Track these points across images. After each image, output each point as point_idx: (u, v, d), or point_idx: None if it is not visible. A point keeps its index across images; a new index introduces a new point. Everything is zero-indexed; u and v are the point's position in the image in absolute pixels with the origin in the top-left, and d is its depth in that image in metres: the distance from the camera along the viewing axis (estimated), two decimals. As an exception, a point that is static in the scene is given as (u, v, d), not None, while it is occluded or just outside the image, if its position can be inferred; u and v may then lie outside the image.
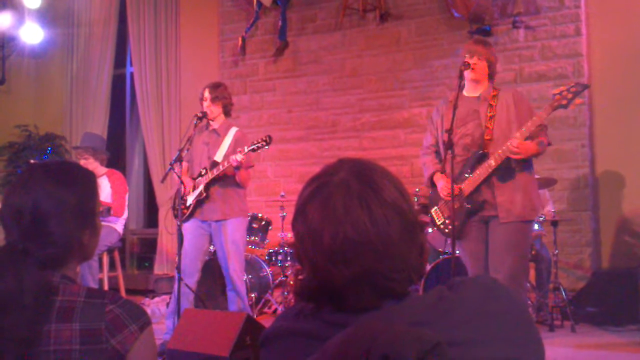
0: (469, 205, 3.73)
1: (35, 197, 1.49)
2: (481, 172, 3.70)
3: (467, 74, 3.83)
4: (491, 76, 3.91)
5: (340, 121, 7.04)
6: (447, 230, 3.91)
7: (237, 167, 4.56)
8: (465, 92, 3.90)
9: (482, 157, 3.71)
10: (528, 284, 3.79)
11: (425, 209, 5.73)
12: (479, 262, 3.77)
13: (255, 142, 4.57)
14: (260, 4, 7.31)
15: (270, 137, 4.58)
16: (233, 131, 4.85)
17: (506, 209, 3.65)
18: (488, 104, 3.77)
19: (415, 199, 5.75)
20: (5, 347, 1.36)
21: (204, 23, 7.78)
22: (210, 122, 4.86)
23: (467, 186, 3.74)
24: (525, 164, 3.72)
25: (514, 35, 6.34)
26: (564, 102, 3.53)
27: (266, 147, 4.57)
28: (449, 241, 5.21)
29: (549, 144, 3.75)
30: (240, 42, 7.41)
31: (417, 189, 5.99)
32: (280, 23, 7.22)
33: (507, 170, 3.68)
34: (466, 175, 3.76)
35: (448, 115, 3.81)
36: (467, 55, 3.84)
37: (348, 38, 7.06)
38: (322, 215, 1.09)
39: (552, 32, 6.19)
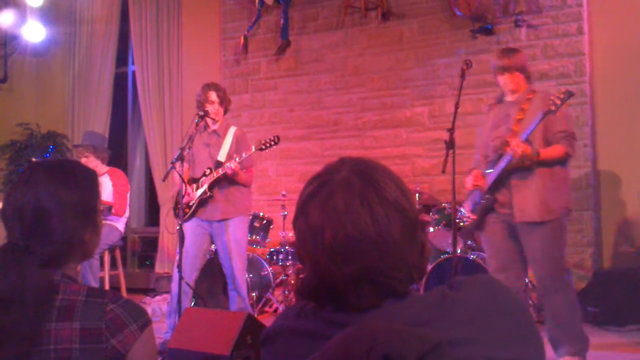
0: (482, 201, 3.91)
1: (37, 195, 1.49)
2: (495, 172, 3.85)
3: (503, 85, 3.93)
4: (528, 79, 3.94)
5: (342, 120, 7.04)
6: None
7: (234, 174, 4.57)
8: (506, 97, 3.98)
9: (500, 159, 3.83)
10: (570, 279, 3.86)
11: (427, 208, 5.77)
12: (498, 254, 3.90)
13: (264, 141, 4.59)
14: (262, 3, 7.31)
15: (278, 138, 4.62)
16: (232, 130, 4.85)
17: (520, 209, 3.76)
18: (519, 108, 3.82)
19: (417, 198, 5.76)
20: (7, 344, 1.36)
21: (206, 21, 7.78)
22: (209, 123, 4.84)
23: (484, 184, 3.91)
24: (548, 165, 3.74)
25: (516, 34, 6.33)
26: (553, 108, 3.60)
27: (274, 146, 4.61)
28: (449, 240, 5.22)
29: (567, 154, 3.73)
30: (242, 40, 7.41)
31: (419, 188, 5.99)
32: (282, 21, 7.22)
33: (525, 171, 3.75)
34: (488, 174, 3.92)
35: (489, 118, 4.01)
36: (498, 75, 3.92)
37: (350, 37, 7.05)
38: (323, 213, 1.09)
39: (554, 31, 6.18)
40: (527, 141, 3.67)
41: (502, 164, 3.79)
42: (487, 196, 3.90)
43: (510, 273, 3.84)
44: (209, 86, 4.82)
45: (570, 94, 3.59)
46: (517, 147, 3.62)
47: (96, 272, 5.51)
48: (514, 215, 3.78)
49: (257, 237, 5.97)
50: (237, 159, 4.55)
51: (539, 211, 3.71)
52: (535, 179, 3.74)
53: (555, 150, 3.73)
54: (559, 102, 3.56)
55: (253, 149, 4.56)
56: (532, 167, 3.73)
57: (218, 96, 4.78)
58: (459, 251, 5.26)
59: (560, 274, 3.77)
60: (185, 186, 4.68)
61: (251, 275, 5.74)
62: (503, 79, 3.91)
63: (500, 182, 3.85)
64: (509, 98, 3.95)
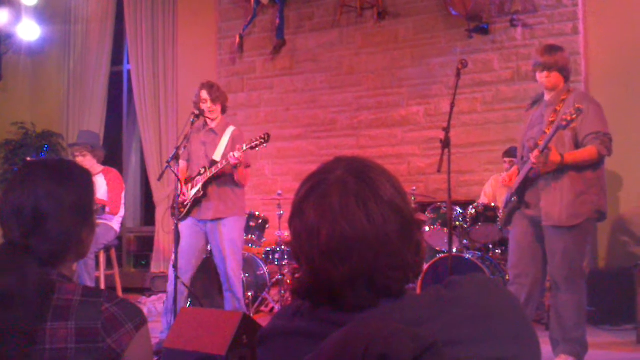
0: (513, 199, 3.97)
1: (35, 195, 1.49)
2: (520, 175, 3.91)
3: (540, 82, 3.92)
4: (566, 79, 3.91)
5: (337, 119, 7.04)
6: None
7: (235, 166, 4.54)
8: (545, 96, 3.96)
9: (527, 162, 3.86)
10: (583, 283, 3.88)
11: (423, 207, 5.77)
12: (519, 251, 3.94)
13: (254, 140, 4.57)
14: (258, 2, 7.31)
15: (268, 135, 4.58)
16: (230, 130, 4.84)
17: (546, 212, 3.77)
18: (553, 109, 3.81)
19: (413, 198, 5.76)
20: (9, 342, 1.36)
21: (201, 20, 7.77)
22: (208, 121, 4.83)
23: (514, 183, 3.97)
24: (578, 168, 3.71)
25: (511, 33, 6.34)
26: (564, 123, 3.57)
27: (264, 145, 4.57)
28: (445, 239, 5.23)
29: (600, 154, 3.68)
30: (237, 39, 7.41)
31: (414, 188, 6.00)
32: (278, 21, 7.21)
33: (556, 174, 3.74)
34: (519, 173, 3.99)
35: (527, 117, 4.03)
36: (537, 72, 3.90)
37: (345, 36, 7.06)
38: (318, 213, 1.09)
39: (549, 30, 6.19)
40: (547, 149, 3.62)
41: (527, 166, 3.81)
42: (513, 198, 3.97)
43: (526, 270, 3.88)
44: (202, 85, 4.82)
45: (580, 112, 3.54)
46: (535, 160, 3.64)
47: (92, 271, 5.49)
48: (541, 218, 3.80)
49: (253, 236, 5.97)
50: (244, 146, 4.49)
51: (564, 216, 3.70)
52: (563, 183, 3.72)
53: (584, 152, 3.69)
54: (569, 118, 3.53)
55: (244, 147, 4.53)
56: (562, 170, 3.70)
57: (209, 94, 4.76)
58: (454, 250, 5.27)
59: (575, 277, 3.80)
60: (181, 185, 4.67)
61: (247, 275, 5.73)
62: (541, 77, 3.88)
63: (530, 184, 3.87)
64: (546, 97, 3.94)
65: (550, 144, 3.64)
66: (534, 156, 3.65)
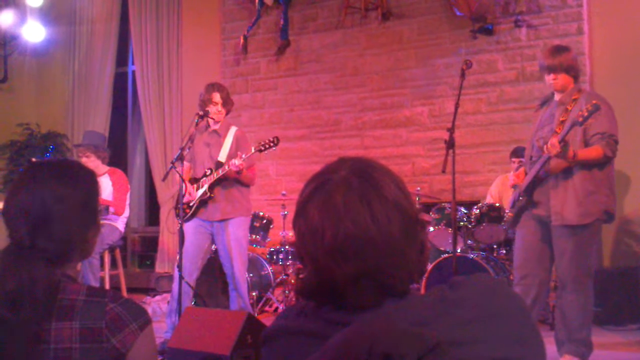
0: (521, 198, 3.94)
1: (42, 195, 1.49)
2: (530, 173, 3.88)
3: (549, 85, 3.91)
4: (575, 78, 3.89)
5: (341, 120, 7.04)
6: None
7: (239, 172, 4.54)
8: (555, 96, 3.94)
9: (538, 160, 3.84)
10: (590, 284, 3.86)
11: (427, 207, 5.77)
12: (526, 251, 3.92)
13: (263, 142, 4.56)
14: (262, 3, 7.31)
15: (277, 139, 4.58)
16: (233, 131, 4.84)
17: (557, 211, 3.74)
18: (564, 109, 3.78)
19: (417, 198, 5.76)
20: (15, 341, 1.37)
21: (205, 21, 7.78)
22: (210, 122, 4.83)
23: (523, 182, 3.93)
24: (586, 167, 3.70)
25: (516, 34, 6.33)
26: (580, 119, 3.54)
27: (274, 148, 4.57)
28: (449, 240, 5.23)
29: (605, 156, 3.67)
30: (242, 40, 7.41)
31: (419, 188, 5.99)
32: (282, 22, 7.22)
33: (565, 173, 3.73)
34: (527, 173, 3.97)
35: (537, 117, 4.01)
36: (544, 74, 3.89)
37: (350, 37, 7.06)
38: (323, 213, 1.09)
39: (554, 31, 6.18)
40: (564, 142, 3.59)
41: (537, 165, 3.79)
42: (520, 197, 3.94)
43: (533, 271, 3.86)
44: (213, 87, 4.79)
45: (597, 108, 3.51)
46: (552, 148, 3.58)
47: (96, 271, 5.50)
48: (551, 218, 3.77)
49: (257, 236, 5.97)
50: (244, 156, 4.51)
51: (575, 215, 3.68)
52: (573, 182, 3.70)
53: (592, 151, 3.68)
54: (586, 113, 3.51)
55: (252, 150, 4.54)
56: (570, 170, 3.69)
57: (221, 97, 4.76)
58: (459, 251, 5.27)
59: (582, 277, 3.78)
60: (186, 186, 4.67)
61: (251, 275, 5.74)
62: (548, 79, 3.87)
63: (539, 183, 3.85)
64: (557, 97, 3.92)
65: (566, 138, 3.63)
66: (551, 143, 3.57)
